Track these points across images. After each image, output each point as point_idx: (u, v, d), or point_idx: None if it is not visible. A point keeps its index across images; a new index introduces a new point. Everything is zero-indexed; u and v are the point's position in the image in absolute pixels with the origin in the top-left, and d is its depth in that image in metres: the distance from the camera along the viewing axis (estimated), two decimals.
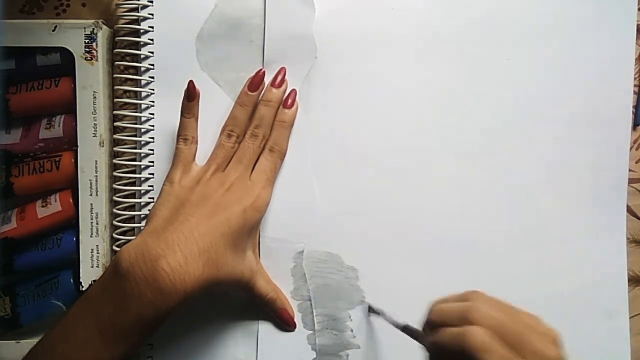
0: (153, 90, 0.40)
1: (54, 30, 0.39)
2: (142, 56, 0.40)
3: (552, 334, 0.28)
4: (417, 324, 0.32)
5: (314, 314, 0.41)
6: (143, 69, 0.40)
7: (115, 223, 0.40)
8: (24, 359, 0.32)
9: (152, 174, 0.40)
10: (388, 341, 0.40)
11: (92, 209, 0.39)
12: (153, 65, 0.40)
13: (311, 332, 0.41)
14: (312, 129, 0.40)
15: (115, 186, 0.40)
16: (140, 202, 0.40)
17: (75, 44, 0.39)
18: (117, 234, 0.40)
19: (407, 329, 0.35)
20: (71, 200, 0.39)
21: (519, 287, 0.41)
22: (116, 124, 0.40)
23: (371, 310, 0.40)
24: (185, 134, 0.38)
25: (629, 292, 0.42)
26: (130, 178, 0.40)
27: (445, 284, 0.40)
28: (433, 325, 0.29)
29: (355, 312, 0.41)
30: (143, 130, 0.40)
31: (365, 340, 0.41)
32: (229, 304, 0.40)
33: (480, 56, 0.41)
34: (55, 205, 0.39)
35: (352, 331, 0.40)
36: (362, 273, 0.41)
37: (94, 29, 0.39)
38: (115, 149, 0.40)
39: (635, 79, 0.42)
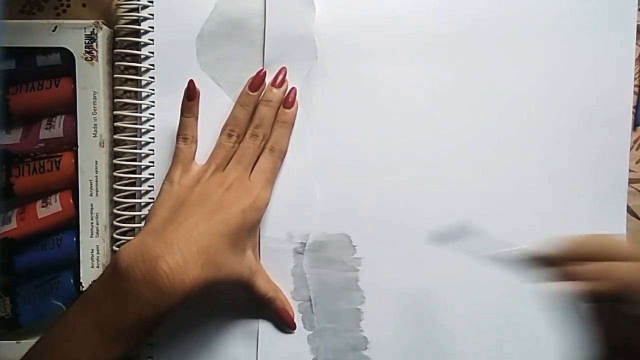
0: (153, 90, 0.40)
1: (54, 30, 0.39)
2: (142, 56, 0.40)
3: None
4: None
5: (314, 314, 0.41)
6: (143, 69, 0.40)
7: (115, 223, 0.40)
8: (23, 358, 0.32)
9: (152, 174, 0.40)
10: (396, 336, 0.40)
11: (92, 209, 0.39)
12: (153, 65, 0.40)
13: (311, 332, 0.41)
14: (312, 128, 0.40)
15: (115, 186, 0.40)
16: (140, 202, 0.40)
17: (75, 44, 0.39)
18: (117, 234, 0.40)
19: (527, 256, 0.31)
20: (71, 200, 0.39)
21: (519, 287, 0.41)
22: (116, 124, 0.40)
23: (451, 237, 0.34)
24: (185, 133, 0.38)
25: None
26: (130, 178, 0.40)
27: (446, 283, 0.41)
28: (572, 257, 0.29)
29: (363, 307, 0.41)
30: (143, 130, 0.40)
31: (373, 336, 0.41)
32: (228, 304, 0.40)
33: (481, 57, 0.41)
34: (55, 205, 0.39)
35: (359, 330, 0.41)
36: (363, 273, 0.40)
37: (94, 29, 0.39)
38: (115, 149, 0.40)
39: (635, 79, 0.42)
